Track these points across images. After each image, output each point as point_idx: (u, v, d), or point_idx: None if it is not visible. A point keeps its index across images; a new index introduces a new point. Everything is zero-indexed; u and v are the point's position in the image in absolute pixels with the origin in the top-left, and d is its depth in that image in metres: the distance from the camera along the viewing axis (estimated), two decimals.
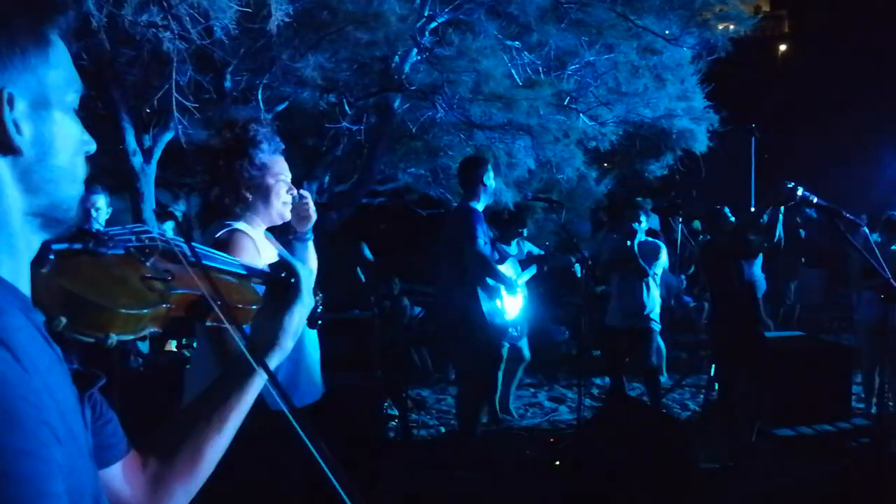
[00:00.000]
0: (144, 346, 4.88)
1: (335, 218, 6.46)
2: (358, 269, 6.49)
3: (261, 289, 1.30)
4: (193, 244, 1.14)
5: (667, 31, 7.54)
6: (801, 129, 15.60)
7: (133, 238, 1.07)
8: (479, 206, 5.21)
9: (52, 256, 0.92)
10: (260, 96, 6.17)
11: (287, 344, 1.27)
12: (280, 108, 6.58)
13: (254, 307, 1.22)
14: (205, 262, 1.17)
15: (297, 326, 1.28)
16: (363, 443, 4.75)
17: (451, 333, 5.35)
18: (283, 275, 1.27)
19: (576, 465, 4.81)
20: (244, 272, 1.27)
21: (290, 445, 1.08)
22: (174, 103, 4.47)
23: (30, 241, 0.88)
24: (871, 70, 14.91)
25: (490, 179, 5.23)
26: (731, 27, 8.28)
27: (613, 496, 4.31)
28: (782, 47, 25.63)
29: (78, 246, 0.97)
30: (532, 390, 7.78)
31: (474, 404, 5.40)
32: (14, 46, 0.83)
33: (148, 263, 1.07)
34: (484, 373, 5.36)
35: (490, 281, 5.15)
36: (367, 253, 6.68)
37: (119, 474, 1.09)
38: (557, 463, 5.28)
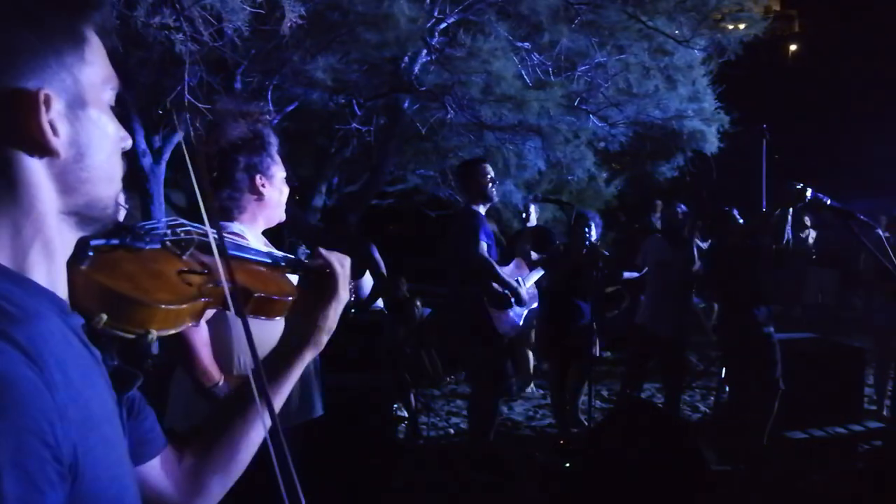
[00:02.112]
0: (154, 346, 4.89)
1: (352, 222, 6.49)
2: (366, 269, 6.51)
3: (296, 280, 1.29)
4: (227, 236, 1.12)
5: (677, 32, 7.51)
6: (813, 129, 15.52)
7: (169, 231, 1.07)
8: (482, 209, 5.19)
9: (90, 253, 0.92)
10: (270, 97, 6.18)
11: (322, 340, 1.26)
12: (290, 108, 6.59)
13: (290, 298, 1.20)
14: (241, 253, 1.17)
15: (333, 323, 1.26)
16: (372, 444, 4.75)
17: (459, 336, 5.33)
18: (321, 266, 1.26)
19: (586, 468, 4.80)
20: (282, 263, 1.25)
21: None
22: (186, 105, 4.48)
23: (65, 240, 0.87)
24: (883, 68, 14.82)
25: (489, 180, 5.18)
26: (742, 27, 8.25)
27: (624, 499, 4.29)
28: (793, 47, 25.51)
29: (115, 241, 0.96)
30: (542, 392, 7.76)
31: (484, 409, 5.38)
32: (49, 46, 0.81)
33: (184, 257, 1.06)
34: (493, 376, 5.33)
35: (495, 285, 5.13)
36: (376, 254, 6.70)
37: (157, 469, 1.10)
38: (568, 465, 5.26)
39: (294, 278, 1.28)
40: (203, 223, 1.09)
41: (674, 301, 6.12)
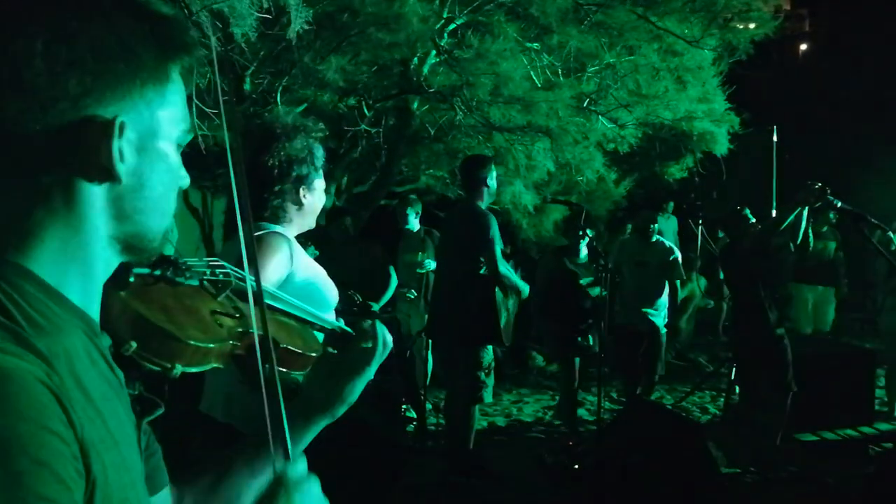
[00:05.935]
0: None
1: (349, 223, 6.51)
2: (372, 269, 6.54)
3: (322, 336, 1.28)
4: (266, 286, 1.11)
5: (686, 32, 7.49)
6: (823, 130, 15.41)
7: (208, 271, 1.08)
8: (484, 207, 5.14)
9: (131, 279, 0.93)
10: (279, 99, 6.19)
11: (340, 411, 1.25)
12: (299, 110, 6.60)
13: (314, 355, 1.20)
14: (275, 303, 1.18)
15: (355, 397, 1.25)
16: (380, 445, 4.75)
17: (462, 338, 5.18)
18: (365, 340, 1.25)
19: (595, 469, 4.79)
20: (314, 321, 1.25)
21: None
22: (194, 108, 4.50)
23: (108, 264, 0.88)
24: (894, 67, 14.69)
25: (493, 179, 5.12)
26: (752, 26, 8.21)
27: (633, 500, 4.28)
28: (803, 46, 25.38)
29: (157, 272, 0.98)
30: (550, 393, 7.75)
31: (468, 414, 5.21)
32: (135, 78, 0.83)
33: (219, 298, 1.07)
34: (478, 381, 5.21)
35: (508, 286, 5.10)
36: (384, 254, 6.72)
37: None
38: (576, 466, 5.25)
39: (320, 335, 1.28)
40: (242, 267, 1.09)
41: (651, 297, 6.37)
